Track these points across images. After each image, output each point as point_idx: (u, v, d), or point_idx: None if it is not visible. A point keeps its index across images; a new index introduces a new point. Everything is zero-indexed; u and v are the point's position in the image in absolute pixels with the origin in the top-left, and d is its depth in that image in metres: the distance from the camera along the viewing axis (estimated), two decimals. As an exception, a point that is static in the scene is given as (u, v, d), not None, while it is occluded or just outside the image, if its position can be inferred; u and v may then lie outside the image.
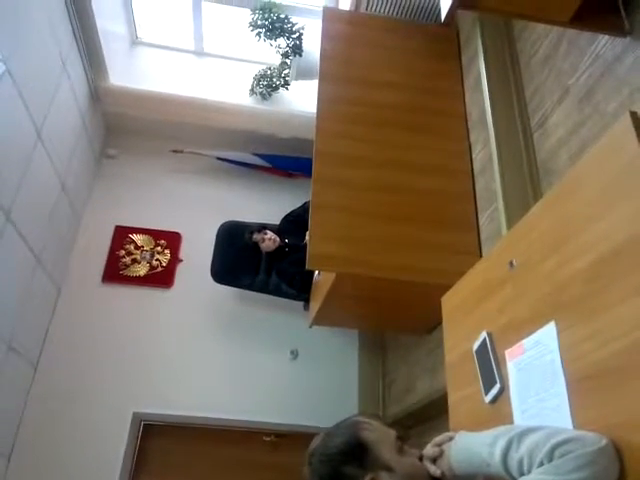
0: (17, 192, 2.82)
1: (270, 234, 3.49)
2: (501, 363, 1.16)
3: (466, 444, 0.97)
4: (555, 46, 2.17)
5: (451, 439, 1.02)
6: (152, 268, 3.89)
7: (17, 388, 3.24)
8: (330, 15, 3.16)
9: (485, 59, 2.59)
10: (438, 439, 1.05)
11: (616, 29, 1.77)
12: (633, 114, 0.86)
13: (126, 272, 3.85)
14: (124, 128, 4.19)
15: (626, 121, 0.88)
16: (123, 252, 3.89)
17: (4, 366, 2.96)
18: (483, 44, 2.64)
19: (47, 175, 3.23)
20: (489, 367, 1.19)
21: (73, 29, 3.28)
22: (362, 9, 3.31)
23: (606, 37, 1.85)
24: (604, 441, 0.77)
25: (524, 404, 1.04)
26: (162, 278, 3.87)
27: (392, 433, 1.03)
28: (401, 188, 2.64)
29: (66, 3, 3.11)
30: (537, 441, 0.80)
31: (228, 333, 3.78)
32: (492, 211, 2.44)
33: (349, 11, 3.37)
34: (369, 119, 2.80)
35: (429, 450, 1.02)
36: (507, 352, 1.13)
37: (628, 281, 0.81)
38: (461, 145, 2.81)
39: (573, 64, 2.03)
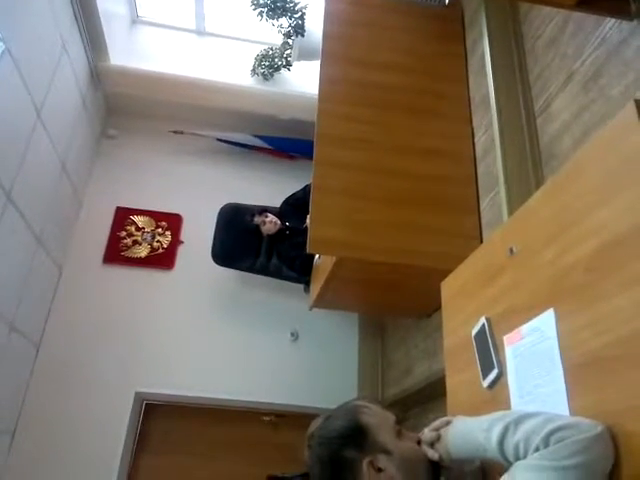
0: (17, 172, 2.82)
1: (271, 217, 3.49)
2: (499, 348, 1.17)
3: (463, 429, 0.98)
4: (561, 29, 2.14)
5: (448, 423, 1.03)
6: (153, 250, 3.90)
7: (20, 368, 3.27)
8: (333, -5, 3.10)
9: (489, 41, 2.56)
10: (436, 423, 1.06)
11: (623, 12, 1.74)
12: (638, 102, 0.85)
13: (127, 253, 3.86)
14: (124, 108, 4.16)
15: (630, 109, 0.87)
16: (124, 233, 3.90)
17: (7, 346, 2.99)
18: (488, 26, 2.60)
19: (47, 155, 3.22)
20: (487, 352, 1.20)
21: (73, 8, 3.23)
22: (365, -11, 3.25)
23: (612, 20, 1.82)
24: (600, 427, 0.78)
25: (521, 389, 1.05)
26: (163, 260, 3.89)
27: (391, 417, 1.05)
28: (402, 171, 2.63)
29: (65, -20, 3.07)
30: (533, 427, 0.82)
31: (229, 314, 3.81)
32: (494, 195, 2.44)
33: (352, -9, 3.31)
34: (371, 101, 2.77)
35: (427, 434, 1.04)
36: (505, 338, 1.14)
37: (628, 270, 0.81)
38: (463, 129, 2.78)
39: (578, 47, 2.01)
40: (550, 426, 0.79)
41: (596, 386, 0.86)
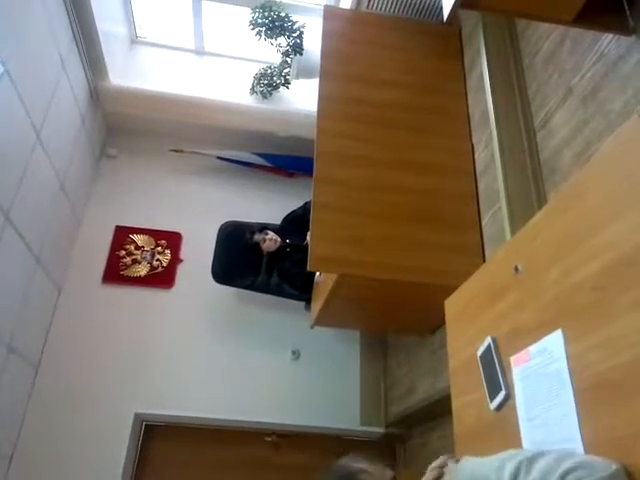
0: (16, 193, 2.81)
1: (271, 234, 3.47)
2: (506, 369, 1.14)
3: (472, 469, 0.96)
4: (558, 45, 2.15)
5: (447, 464, 1.02)
6: (153, 268, 3.88)
7: (18, 389, 3.23)
8: (331, 13, 3.13)
9: (487, 58, 2.57)
10: (435, 464, 1.05)
11: (621, 28, 1.74)
12: (642, 118, 0.84)
13: (126, 272, 3.83)
14: (124, 128, 4.17)
15: (634, 124, 0.86)
16: (123, 252, 3.88)
17: (5, 367, 2.95)
18: (485, 43, 2.61)
19: (46, 175, 3.21)
20: (494, 373, 1.17)
21: (72, 29, 3.26)
22: (363, 7, 3.28)
23: (610, 36, 1.83)
24: (614, 466, 0.76)
25: (530, 412, 1.03)
26: (163, 278, 3.86)
27: (388, 474, 1.06)
28: (402, 188, 2.62)
29: (65, 3, 3.09)
30: (548, 466, 0.79)
31: (229, 333, 3.77)
32: (495, 211, 2.43)
33: (350, 9, 3.34)
34: (370, 118, 2.78)
35: (428, 475, 1.02)
36: (512, 359, 1.12)
37: (633, 292, 0.80)
38: (463, 145, 2.79)
39: (577, 63, 2.01)
40: (565, 465, 0.77)
41: (607, 409, 0.83)
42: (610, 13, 1.76)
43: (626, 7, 1.74)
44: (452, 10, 1.67)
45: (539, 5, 1.73)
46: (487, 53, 2.58)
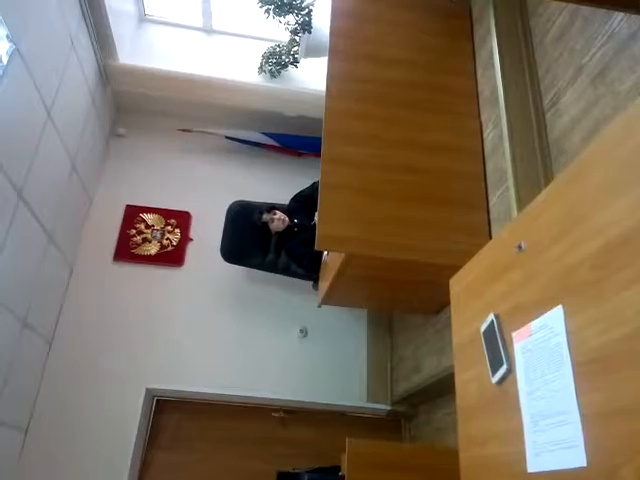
0: (28, 171, 2.85)
1: (279, 214, 3.50)
2: (508, 345, 1.17)
3: None
4: (569, 24, 2.13)
5: None
6: (163, 247, 3.93)
7: (33, 364, 3.31)
8: (340, -9, 3.10)
9: (498, 36, 2.55)
10: None
11: (632, 6, 1.72)
12: (646, 98, 0.84)
13: (137, 251, 3.89)
14: (133, 107, 4.19)
15: (639, 106, 0.86)
16: (134, 231, 3.93)
17: (20, 342, 3.03)
18: (496, 21, 2.59)
19: (57, 154, 3.25)
20: (496, 348, 1.20)
21: (81, 7, 3.26)
22: (373, -16, 3.24)
23: (621, 15, 1.81)
24: None
25: (530, 385, 1.06)
26: (172, 257, 3.92)
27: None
28: (410, 168, 2.63)
29: (74, -20, 3.09)
30: None
31: (238, 311, 3.83)
32: (503, 191, 2.43)
33: (359, -14, 3.30)
34: (379, 97, 2.77)
35: None
36: (514, 334, 1.14)
37: (636, 267, 0.81)
38: (472, 124, 2.78)
39: (587, 42, 2.00)
40: None
41: (605, 383, 0.86)
42: (622, -9, 1.74)
43: (638, -16, 1.72)
44: (462, -12, 1.66)
45: (550, -17, 1.71)
46: (497, 32, 2.56)
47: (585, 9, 1.99)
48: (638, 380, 0.79)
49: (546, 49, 2.30)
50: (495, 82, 2.53)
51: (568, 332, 0.96)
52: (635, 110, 0.88)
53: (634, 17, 1.74)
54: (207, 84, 3.89)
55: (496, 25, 2.58)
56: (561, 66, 2.17)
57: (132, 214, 3.98)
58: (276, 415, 3.67)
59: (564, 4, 2.12)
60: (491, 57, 2.62)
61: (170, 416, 3.62)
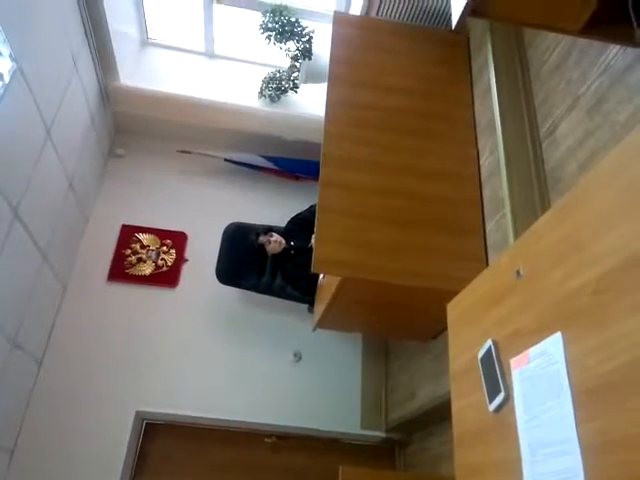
0: (25, 189, 2.84)
1: (276, 236, 3.50)
2: (506, 372, 1.15)
3: None
4: (566, 55, 2.17)
5: None
6: (157, 267, 3.91)
7: (21, 384, 3.26)
8: (340, 19, 3.16)
9: (495, 67, 2.59)
10: None
11: (627, 39, 1.76)
12: (645, 127, 0.85)
13: (132, 271, 3.87)
14: (133, 128, 4.21)
15: (638, 135, 0.87)
16: (129, 251, 3.91)
17: (9, 362, 2.98)
18: (493, 52, 2.64)
19: (55, 173, 3.25)
20: (494, 375, 1.19)
21: (85, 29, 3.30)
22: (373, 14, 3.32)
23: (617, 47, 1.84)
24: None
25: (528, 414, 1.04)
26: (167, 277, 3.89)
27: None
28: (408, 193, 2.64)
29: (78, 3, 3.14)
30: None
31: (232, 334, 3.79)
32: (499, 218, 2.44)
33: (360, 15, 3.37)
34: (377, 123, 2.80)
35: None
36: (512, 361, 1.13)
37: (633, 296, 0.81)
38: (469, 151, 2.81)
39: (583, 73, 2.03)
40: None
41: (605, 412, 0.85)
42: (617, 24, 1.77)
43: (633, 18, 1.76)
44: (461, 18, 1.69)
45: (547, 15, 1.75)
46: (495, 62, 2.61)
47: (581, 41, 2.03)
48: (634, 412, 0.78)
49: (543, 80, 2.34)
50: (492, 111, 2.57)
51: (567, 360, 0.95)
52: (632, 140, 0.89)
53: (629, 50, 1.78)
54: (207, 107, 3.93)
55: (493, 55, 2.63)
56: (558, 96, 2.20)
57: (128, 234, 3.97)
58: (268, 441, 3.60)
59: (561, 36, 2.16)
60: (489, 86, 2.66)
61: (160, 440, 3.55)
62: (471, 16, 1.69)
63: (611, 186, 0.93)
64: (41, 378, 3.41)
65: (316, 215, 2.54)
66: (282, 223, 3.69)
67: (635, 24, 1.74)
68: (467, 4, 1.60)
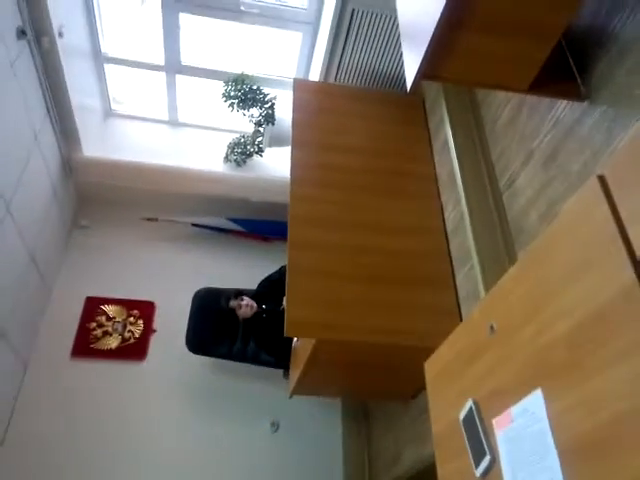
0: (-17, 267, 2.74)
1: (247, 300, 3.42)
2: (489, 433, 1.11)
3: None
4: (517, 111, 2.27)
5: None
6: (124, 340, 3.76)
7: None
8: (300, 86, 3.27)
9: (451, 124, 2.69)
10: None
11: (573, 94, 1.86)
12: (600, 177, 0.87)
13: (97, 345, 3.70)
14: (97, 198, 4.17)
15: (593, 184, 0.89)
16: (94, 324, 3.76)
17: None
18: (448, 110, 2.74)
19: (15, 248, 3.15)
20: (477, 437, 1.14)
21: (46, 103, 3.31)
22: (331, 79, 3.44)
23: (565, 102, 1.94)
24: None
25: (516, 477, 0.99)
26: (134, 350, 3.74)
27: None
28: (377, 250, 2.65)
29: (39, 77, 3.15)
30: None
31: (204, 407, 3.63)
32: (468, 269, 2.46)
33: (318, 81, 3.49)
34: (341, 183, 2.84)
35: None
36: (495, 421, 1.09)
37: (607, 348, 0.80)
38: (433, 205, 2.86)
39: (535, 128, 2.12)
40: None
41: (593, 472, 0.81)
42: (563, 81, 1.87)
43: (577, 75, 1.86)
44: (414, 81, 1.76)
45: (495, 76, 1.84)
46: (450, 120, 2.71)
47: (531, 98, 2.13)
48: (627, 468, 0.74)
49: (498, 135, 2.43)
50: (452, 166, 2.64)
51: (550, 417, 0.92)
52: (589, 189, 0.90)
53: (576, 104, 1.87)
54: (173, 174, 3.93)
55: (448, 114, 2.74)
56: (513, 150, 2.28)
57: (92, 306, 3.83)
58: (247, 520, 3.38)
59: (511, 94, 2.26)
60: (446, 143, 2.75)
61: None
62: (423, 79, 1.75)
63: (571, 238, 0.93)
64: (1, 458, 3.17)
65: (286, 276, 2.50)
66: (253, 285, 3.62)
67: (579, 80, 1.84)
68: (419, 69, 1.67)
